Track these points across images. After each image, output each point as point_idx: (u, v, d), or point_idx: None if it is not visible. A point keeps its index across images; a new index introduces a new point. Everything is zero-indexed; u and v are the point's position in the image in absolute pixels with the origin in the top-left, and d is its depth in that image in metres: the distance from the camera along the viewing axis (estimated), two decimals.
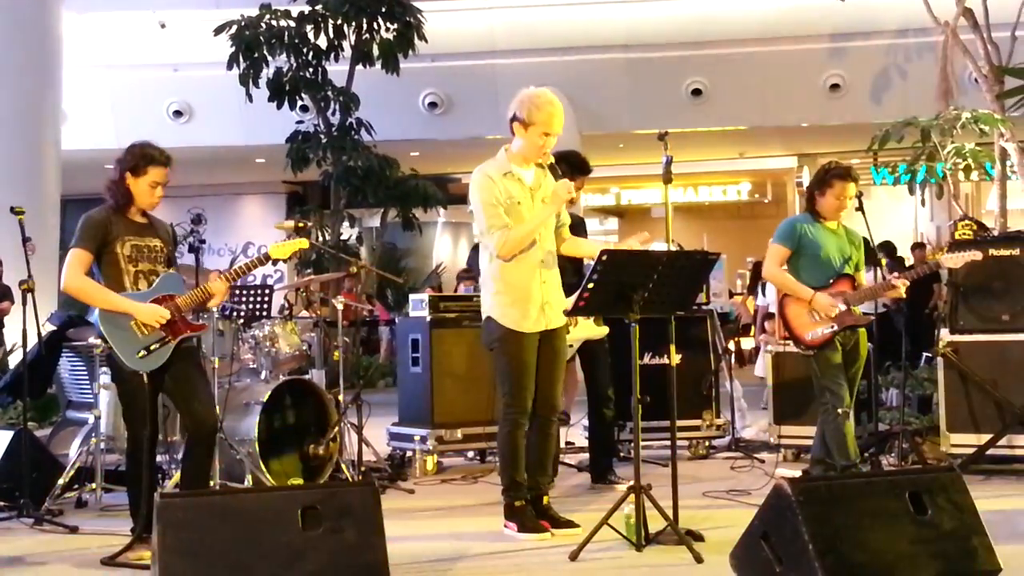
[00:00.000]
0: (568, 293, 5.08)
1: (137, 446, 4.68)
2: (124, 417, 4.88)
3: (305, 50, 13.70)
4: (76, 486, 5.98)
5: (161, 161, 4.72)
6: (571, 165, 6.15)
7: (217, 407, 5.80)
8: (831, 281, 5.65)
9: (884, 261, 6.68)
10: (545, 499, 5.06)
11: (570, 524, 4.96)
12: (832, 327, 5.57)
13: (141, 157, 4.69)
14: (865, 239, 5.92)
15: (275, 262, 5.04)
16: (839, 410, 5.50)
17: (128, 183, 4.69)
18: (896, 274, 5.90)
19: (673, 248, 5.24)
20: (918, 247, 13.56)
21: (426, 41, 13.74)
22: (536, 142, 4.94)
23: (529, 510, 4.96)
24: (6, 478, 5.77)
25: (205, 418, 4.73)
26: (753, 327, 12.20)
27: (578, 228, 6.35)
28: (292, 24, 13.55)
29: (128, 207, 4.73)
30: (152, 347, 4.60)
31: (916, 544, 3.56)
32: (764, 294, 11.47)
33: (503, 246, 4.86)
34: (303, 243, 5.12)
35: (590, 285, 4.54)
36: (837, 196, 5.67)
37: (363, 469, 6.47)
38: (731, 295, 17.99)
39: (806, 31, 14.99)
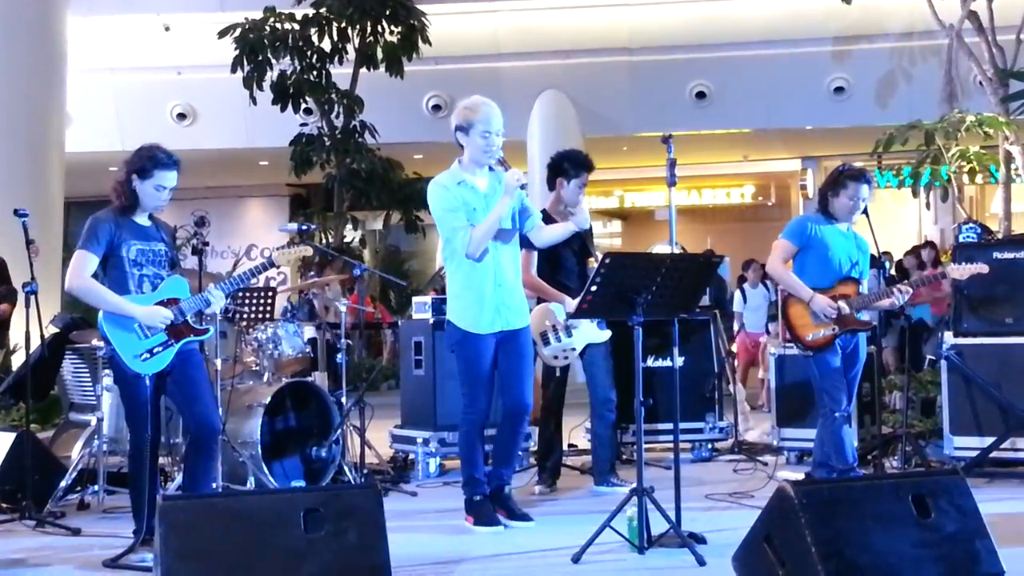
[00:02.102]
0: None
1: (139, 448, 4.69)
2: (126, 419, 4.88)
3: (309, 53, 13.73)
4: (78, 488, 5.99)
5: (168, 165, 4.71)
6: (573, 162, 6.24)
7: (219, 409, 5.82)
8: (835, 283, 5.64)
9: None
10: (507, 488, 5.32)
11: (525, 517, 5.22)
12: (833, 329, 5.56)
13: (148, 160, 4.69)
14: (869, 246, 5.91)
15: (278, 267, 5.09)
16: (836, 414, 5.50)
17: (134, 185, 4.69)
18: (900, 285, 5.85)
19: (677, 251, 5.25)
20: (929, 246, 13.43)
21: (430, 44, 13.75)
22: (479, 142, 5.11)
23: (487, 504, 5.18)
24: (8, 480, 5.77)
25: (207, 422, 4.74)
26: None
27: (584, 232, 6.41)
28: (296, 27, 13.57)
29: (133, 209, 4.73)
30: (155, 350, 4.60)
31: (919, 547, 3.55)
32: (744, 299, 11.49)
33: (470, 244, 5.08)
34: (307, 250, 5.25)
35: (593, 288, 4.55)
36: (851, 197, 5.66)
37: (365, 471, 6.47)
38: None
39: (810, 34, 14.98)
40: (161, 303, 4.66)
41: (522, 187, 5.11)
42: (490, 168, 5.20)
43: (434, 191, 5.20)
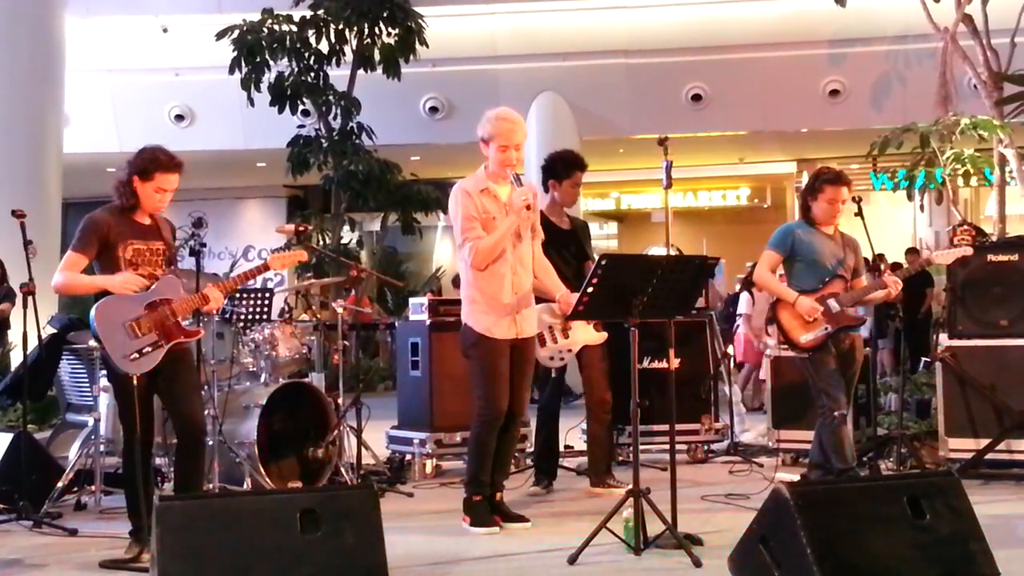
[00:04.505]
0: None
1: (132, 447, 4.69)
2: (120, 418, 4.88)
3: (307, 55, 13.72)
4: (75, 489, 5.99)
5: (170, 167, 4.74)
6: (564, 163, 6.27)
7: (215, 410, 5.84)
8: (824, 283, 5.66)
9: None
10: (499, 495, 5.34)
11: (520, 519, 5.25)
12: (826, 328, 5.58)
13: (150, 161, 4.72)
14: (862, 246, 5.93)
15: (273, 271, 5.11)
16: (835, 413, 5.52)
17: (135, 186, 4.72)
18: (889, 273, 5.89)
19: (672, 252, 5.28)
20: (912, 252, 13.55)
21: (427, 46, 13.75)
22: (498, 156, 5.20)
23: (484, 506, 5.21)
24: (5, 480, 5.78)
25: (191, 421, 4.74)
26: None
27: (582, 231, 6.43)
28: (294, 29, 13.56)
29: (134, 209, 4.75)
30: (144, 350, 4.59)
31: (914, 549, 3.57)
32: (754, 302, 11.48)
33: (474, 257, 5.15)
34: (302, 255, 5.29)
35: (590, 289, 4.57)
36: (829, 200, 5.69)
37: (362, 472, 6.47)
38: None
39: (806, 37, 14.99)
40: (153, 303, 4.64)
41: (528, 207, 5.14)
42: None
43: (458, 195, 5.27)
